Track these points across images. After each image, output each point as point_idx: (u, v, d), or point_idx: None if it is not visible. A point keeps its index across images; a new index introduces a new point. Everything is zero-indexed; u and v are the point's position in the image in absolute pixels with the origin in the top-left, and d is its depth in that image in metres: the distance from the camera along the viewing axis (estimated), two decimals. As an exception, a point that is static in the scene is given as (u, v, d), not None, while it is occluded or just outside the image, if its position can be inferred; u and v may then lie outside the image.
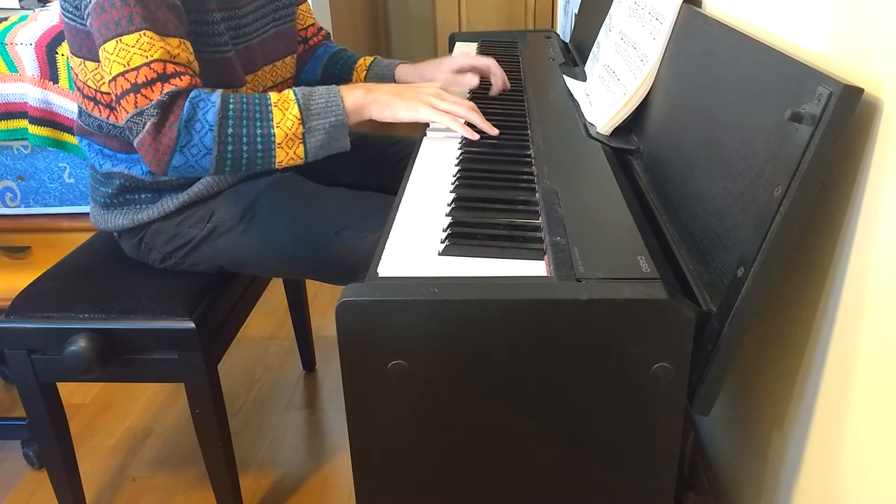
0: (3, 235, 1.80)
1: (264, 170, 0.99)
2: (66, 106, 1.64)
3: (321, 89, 1.00)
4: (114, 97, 0.95)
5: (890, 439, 0.57)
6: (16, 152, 1.73)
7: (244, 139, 0.95)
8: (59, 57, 1.61)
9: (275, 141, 0.96)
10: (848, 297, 0.63)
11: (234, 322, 1.25)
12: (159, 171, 0.97)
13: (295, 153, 0.97)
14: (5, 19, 1.67)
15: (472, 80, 1.26)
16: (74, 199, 1.77)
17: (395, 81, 1.36)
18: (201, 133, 0.93)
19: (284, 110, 0.97)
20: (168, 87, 0.92)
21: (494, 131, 1.05)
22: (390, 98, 1.02)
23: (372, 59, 1.39)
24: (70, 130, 1.65)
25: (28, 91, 1.63)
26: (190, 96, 0.94)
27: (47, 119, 1.65)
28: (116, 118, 1.07)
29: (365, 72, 1.38)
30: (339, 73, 1.39)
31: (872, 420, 0.60)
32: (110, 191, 1.13)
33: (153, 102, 0.92)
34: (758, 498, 0.85)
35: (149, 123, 0.92)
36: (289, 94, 0.98)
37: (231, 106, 0.95)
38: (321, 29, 1.43)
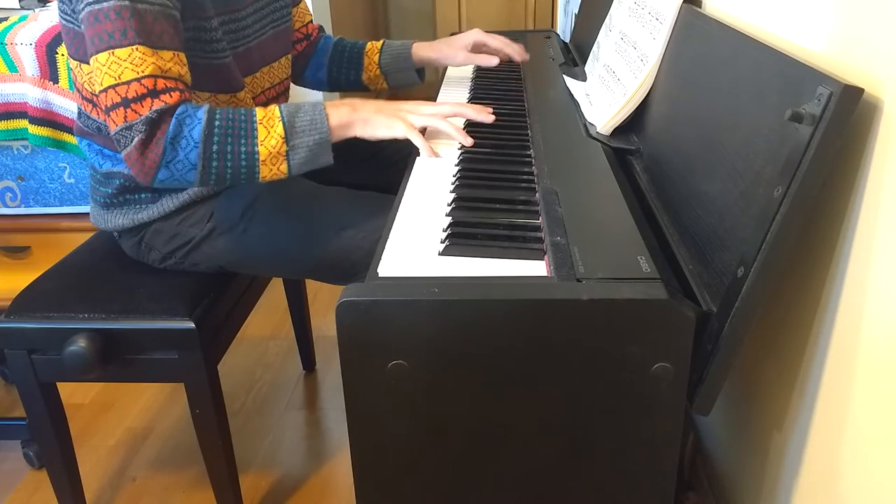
0: (3, 235, 1.80)
1: (248, 184, 0.99)
2: (66, 106, 1.64)
3: (307, 106, 1.00)
4: (103, 108, 0.95)
5: (890, 439, 0.57)
6: (16, 152, 1.73)
7: (228, 156, 0.96)
8: (59, 57, 1.61)
9: (258, 158, 0.97)
10: (848, 296, 0.63)
11: (234, 322, 1.25)
12: (145, 184, 0.98)
13: (278, 169, 0.98)
14: (5, 19, 1.67)
15: (491, 60, 1.28)
16: (74, 199, 1.77)
17: (414, 63, 1.37)
18: (186, 150, 0.94)
19: (269, 128, 0.97)
20: (157, 104, 0.93)
21: (490, 118, 1.06)
22: (372, 115, 1.02)
23: (381, 42, 1.38)
24: (70, 130, 1.65)
25: (28, 91, 1.63)
26: (177, 112, 0.94)
27: (47, 119, 1.65)
28: None
29: (377, 55, 1.38)
30: (348, 60, 1.39)
31: (872, 420, 0.60)
32: (110, 191, 1.14)
33: (142, 118, 0.93)
34: (758, 498, 0.85)
35: (136, 139, 0.93)
36: (274, 110, 0.98)
37: (217, 123, 0.95)
38: (316, 25, 1.44)
